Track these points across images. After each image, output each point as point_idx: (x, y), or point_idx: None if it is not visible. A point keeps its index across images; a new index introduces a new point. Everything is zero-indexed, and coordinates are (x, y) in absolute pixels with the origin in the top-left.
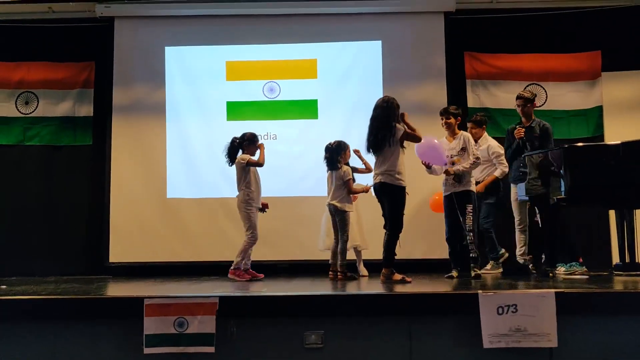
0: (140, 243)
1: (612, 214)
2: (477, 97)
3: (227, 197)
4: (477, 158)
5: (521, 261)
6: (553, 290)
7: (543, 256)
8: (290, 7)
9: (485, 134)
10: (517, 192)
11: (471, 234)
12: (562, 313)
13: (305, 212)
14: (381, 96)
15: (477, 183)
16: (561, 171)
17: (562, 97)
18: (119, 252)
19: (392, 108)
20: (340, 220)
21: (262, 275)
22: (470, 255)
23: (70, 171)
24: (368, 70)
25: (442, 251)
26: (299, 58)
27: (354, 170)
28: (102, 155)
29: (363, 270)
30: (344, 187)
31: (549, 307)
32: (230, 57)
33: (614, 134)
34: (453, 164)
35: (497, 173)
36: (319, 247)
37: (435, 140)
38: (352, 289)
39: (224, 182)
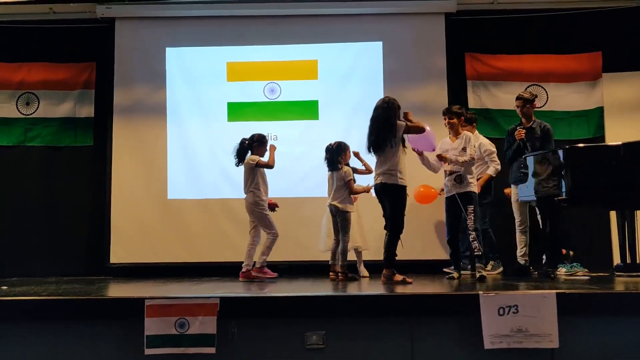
0: (141, 244)
1: (613, 214)
2: (477, 98)
3: (228, 198)
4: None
5: (522, 262)
6: (554, 291)
7: (544, 257)
8: (291, 8)
9: (476, 132)
10: (517, 192)
11: (474, 234)
12: (564, 314)
13: (305, 213)
14: (382, 97)
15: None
16: (562, 172)
17: (563, 98)
18: (119, 253)
19: (392, 108)
20: (341, 220)
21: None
22: (475, 254)
23: (71, 172)
24: (369, 71)
25: (443, 252)
26: (299, 59)
27: (354, 171)
28: (102, 156)
29: (364, 271)
30: (345, 188)
31: (550, 307)
32: (231, 58)
33: (615, 135)
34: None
35: (490, 171)
36: (320, 247)
37: (427, 128)
38: (353, 289)
39: (224, 183)
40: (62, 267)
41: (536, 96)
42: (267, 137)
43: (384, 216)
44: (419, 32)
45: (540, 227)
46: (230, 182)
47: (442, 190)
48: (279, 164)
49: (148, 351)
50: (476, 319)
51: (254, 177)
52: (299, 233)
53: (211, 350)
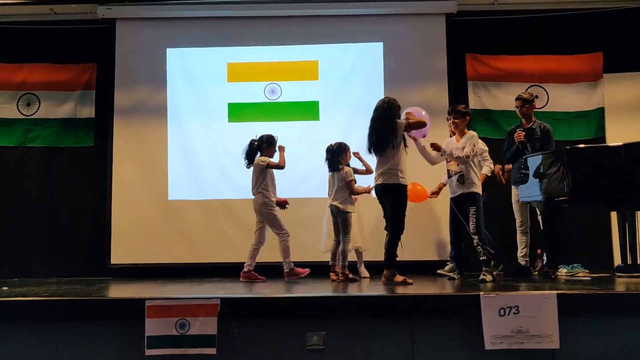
0: (142, 244)
1: (613, 215)
2: (478, 99)
3: (229, 199)
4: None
5: (523, 263)
6: (555, 291)
7: (544, 258)
8: (292, 8)
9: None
10: (518, 193)
11: (477, 237)
12: (564, 314)
13: (306, 213)
14: (382, 98)
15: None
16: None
17: (563, 98)
18: (120, 254)
19: (392, 109)
20: (342, 221)
21: (263, 279)
22: (480, 258)
23: (71, 173)
24: (369, 71)
25: (444, 253)
26: (300, 60)
27: (355, 171)
28: (103, 156)
29: (364, 272)
30: (345, 189)
31: (551, 308)
32: (232, 59)
33: (616, 136)
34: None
35: (485, 171)
36: (321, 248)
37: (423, 112)
38: (353, 290)
39: (225, 184)
40: (62, 268)
41: (536, 97)
42: (276, 138)
43: (384, 217)
44: (419, 32)
45: (541, 227)
46: (230, 183)
47: (433, 193)
48: None
49: (148, 352)
50: (477, 320)
51: (264, 178)
52: (300, 233)
53: (212, 351)
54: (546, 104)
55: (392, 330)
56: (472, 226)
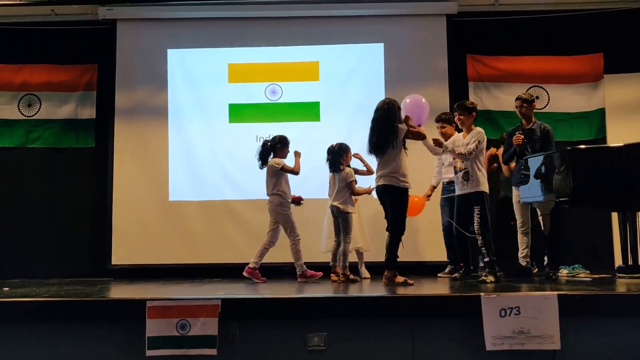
0: (143, 245)
1: (614, 216)
2: (479, 100)
3: (230, 200)
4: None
5: (523, 263)
6: (556, 292)
7: (545, 258)
8: (293, 9)
9: (455, 132)
10: (519, 194)
11: (480, 239)
12: (565, 315)
13: (307, 214)
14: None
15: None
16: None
17: (564, 99)
18: (121, 255)
19: (393, 110)
20: (342, 222)
21: (264, 280)
22: (484, 259)
23: (72, 173)
24: (370, 72)
25: (444, 253)
26: (301, 60)
27: (355, 172)
28: (104, 157)
29: (365, 273)
30: (346, 189)
31: (552, 309)
32: (232, 60)
33: (616, 137)
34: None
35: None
36: (321, 249)
37: (423, 100)
38: (354, 291)
39: (226, 185)
40: (63, 269)
41: (537, 97)
42: (289, 139)
43: (386, 218)
44: (420, 33)
45: (542, 228)
46: (231, 184)
47: (428, 196)
48: None
49: (149, 352)
50: (477, 321)
51: (278, 179)
52: (301, 234)
53: (212, 351)
54: (547, 105)
55: (393, 331)
56: (476, 226)
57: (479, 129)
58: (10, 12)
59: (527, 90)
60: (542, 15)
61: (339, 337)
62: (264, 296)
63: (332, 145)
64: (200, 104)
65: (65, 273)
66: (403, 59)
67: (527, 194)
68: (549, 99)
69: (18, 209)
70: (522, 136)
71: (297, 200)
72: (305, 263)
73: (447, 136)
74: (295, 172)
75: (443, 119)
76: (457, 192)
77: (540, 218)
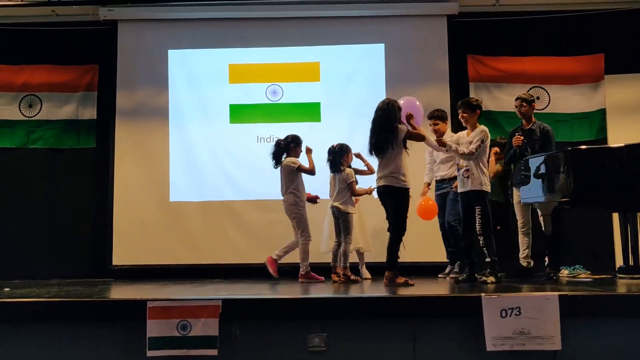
0: (143, 246)
1: (615, 216)
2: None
3: (230, 200)
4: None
5: (524, 264)
6: (557, 293)
7: (546, 259)
8: (294, 10)
9: (449, 129)
10: (519, 195)
11: (481, 238)
12: (566, 316)
13: (308, 214)
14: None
15: (452, 179)
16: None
17: (565, 100)
18: (122, 255)
19: (393, 110)
20: (343, 222)
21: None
22: (485, 260)
23: (73, 174)
24: (371, 73)
25: (444, 254)
26: (302, 61)
27: (356, 172)
28: (105, 158)
29: (366, 273)
30: (347, 190)
31: (552, 309)
32: (233, 60)
33: (617, 137)
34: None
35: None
36: (322, 249)
37: (417, 102)
38: (355, 291)
39: (226, 185)
40: (64, 269)
41: (537, 98)
42: (301, 138)
43: (387, 218)
44: (421, 34)
45: (543, 229)
46: (232, 184)
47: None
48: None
49: (150, 353)
50: (478, 321)
51: (294, 178)
52: None
53: (213, 352)
54: (548, 105)
55: (394, 331)
56: (477, 227)
57: (483, 127)
58: (11, 12)
59: (528, 91)
60: (543, 15)
61: (339, 338)
62: (265, 297)
63: (332, 146)
64: (201, 104)
65: (66, 273)
66: (404, 59)
67: (527, 194)
68: (549, 100)
69: (19, 210)
70: (522, 137)
71: (314, 199)
72: None
73: (439, 133)
74: (311, 171)
75: (435, 116)
76: (460, 190)
77: (540, 218)
